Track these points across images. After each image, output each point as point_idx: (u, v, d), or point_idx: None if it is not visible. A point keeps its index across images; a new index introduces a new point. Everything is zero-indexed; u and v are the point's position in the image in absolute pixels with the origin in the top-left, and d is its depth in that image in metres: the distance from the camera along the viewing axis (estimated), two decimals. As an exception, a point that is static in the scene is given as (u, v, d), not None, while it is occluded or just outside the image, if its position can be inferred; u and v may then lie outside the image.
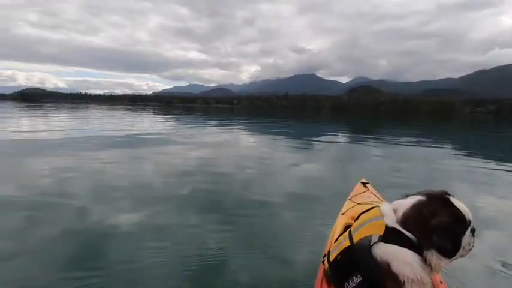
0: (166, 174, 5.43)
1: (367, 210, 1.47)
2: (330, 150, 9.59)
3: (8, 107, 44.57)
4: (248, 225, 3.26)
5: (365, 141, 12.26)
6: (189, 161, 6.75)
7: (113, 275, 2.26)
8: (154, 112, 39.85)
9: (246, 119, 27.71)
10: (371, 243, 1.25)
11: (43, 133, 11.62)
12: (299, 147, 9.82)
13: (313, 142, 11.46)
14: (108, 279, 2.20)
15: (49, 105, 61.97)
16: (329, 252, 1.51)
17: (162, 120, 23.76)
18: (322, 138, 12.93)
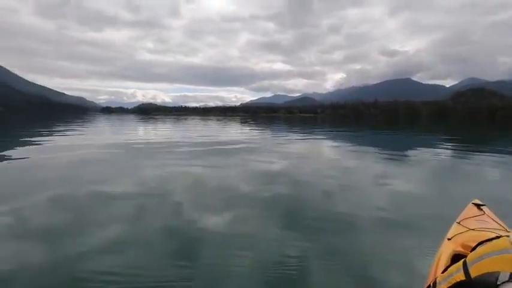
0: (251, 181, 5.72)
1: (489, 240, 1.24)
2: (430, 164, 8.35)
3: (130, 118, 58.67)
4: (331, 239, 3.14)
5: (477, 154, 10.18)
6: (273, 169, 6.94)
7: (197, 271, 2.50)
8: (241, 122, 42.75)
9: (329, 129, 26.85)
10: (498, 282, 1.04)
11: (154, 139, 13.90)
12: (389, 160, 8.92)
13: (407, 155, 10.23)
14: (193, 273, 2.45)
15: (158, 117, 74.09)
16: (435, 283, 1.32)
17: (248, 129, 25.21)
18: (419, 150, 11.40)
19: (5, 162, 7.79)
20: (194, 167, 7.01)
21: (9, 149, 10.17)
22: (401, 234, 3.28)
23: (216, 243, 3.01)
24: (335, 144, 13.64)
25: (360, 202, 4.47)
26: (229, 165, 7.56)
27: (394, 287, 2.23)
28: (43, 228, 3.33)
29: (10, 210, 3.87)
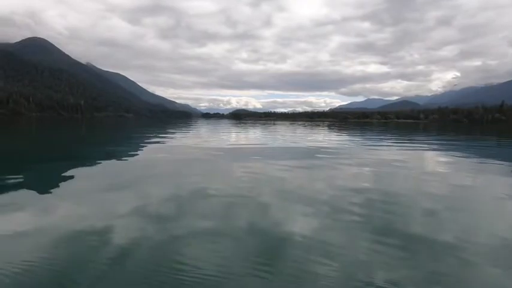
0: (337, 190, 5.45)
1: None
2: None
3: (225, 122, 65.87)
4: (435, 264, 2.68)
5: None
6: (362, 178, 6.44)
7: (278, 272, 2.51)
8: (328, 127, 41.35)
9: (439, 137, 23.16)
10: None
11: (245, 142, 14.90)
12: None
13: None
14: (274, 273, 2.47)
15: (249, 122, 79.05)
16: None
17: (335, 136, 24.17)
18: None
19: (130, 158, 9.65)
20: (282, 171, 7.14)
21: (136, 150, 12.58)
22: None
23: (300, 247, 2.98)
24: (443, 155, 11.65)
25: (475, 227, 3.68)
26: (316, 172, 7.39)
27: None
28: (151, 213, 3.96)
29: (128, 197, 4.77)
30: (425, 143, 17.10)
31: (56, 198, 4.75)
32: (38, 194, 4.97)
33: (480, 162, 9.42)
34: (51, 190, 5.14)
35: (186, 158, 9.61)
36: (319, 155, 10.53)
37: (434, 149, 13.80)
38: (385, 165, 8.52)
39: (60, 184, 5.57)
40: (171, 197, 4.82)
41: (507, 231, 3.52)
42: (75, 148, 13.14)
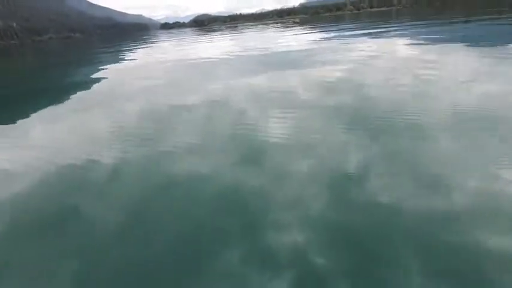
0: (312, 88, 5.66)
1: None
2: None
3: (188, 32, 60.32)
4: (394, 142, 3.13)
5: None
6: (335, 75, 6.62)
7: (262, 171, 2.87)
8: (300, 25, 38.89)
9: (407, 24, 22.71)
10: None
11: (213, 53, 14.09)
12: (481, 55, 7.49)
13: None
14: (259, 172, 2.84)
15: (214, 27, 72.20)
16: None
17: (305, 33, 23.06)
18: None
19: (101, 79, 9.07)
20: (254, 78, 7.13)
21: (96, 71, 11.64)
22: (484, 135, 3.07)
23: (280, 147, 3.26)
24: (410, 42, 11.76)
25: (435, 106, 4.14)
26: (289, 73, 7.43)
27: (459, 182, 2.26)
28: (133, 131, 4.10)
29: (107, 115, 4.78)
30: (401, 31, 16.87)
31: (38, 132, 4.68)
32: (13, 130, 4.84)
33: (436, 47, 9.70)
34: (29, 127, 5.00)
35: (152, 75, 9.16)
36: (290, 57, 10.33)
37: (406, 37, 13.77)
38: (355, 59, 8.62)
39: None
40: (147, 116, 4.90)
41: (461, 101, 4.01)
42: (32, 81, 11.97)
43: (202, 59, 12.47)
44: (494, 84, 4.82)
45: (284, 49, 12.93)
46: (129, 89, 7.38)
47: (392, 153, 2.86)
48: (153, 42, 31.67)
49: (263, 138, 3.54)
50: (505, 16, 19.08)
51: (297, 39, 18.59)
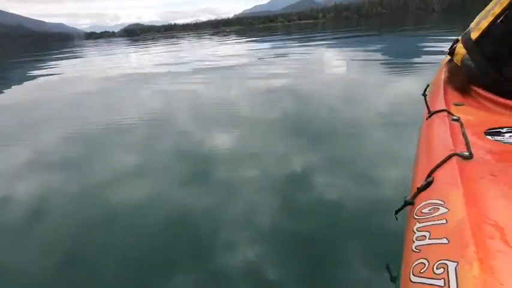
0: (251, 99, 5.72)
1: None
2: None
3: (119, 42, 56.73)
4: (335, 146, 3.20)
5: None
6: (272, 84, 6.81)
7: (211, 187, 2.76)
8: (236, 35, 39.69)
9: (330, 34, 25.00)
10: None
11: (149, 64, 13.35)
12: (388, 65, 8.57)
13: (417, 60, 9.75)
14: (207, 190, 2.72)
15: (147, 37, 68.95)
16: (468, 38, 1.27)
17: (241, 44, 23.65)
18: (426, 51, 10.78)
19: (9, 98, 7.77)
20: (195, 87, 6.95)
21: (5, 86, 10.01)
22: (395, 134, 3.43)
23: (226, 161, 3.07)
24: (331, 50, 12.93)
25: (360, 110, 4.53)
26: (228, 83, 7.39)
27: (397, 180, 2.32)
28: (59, 161, 3.47)
29: (24, 146, 4.04)
30: (324, 41, 18.41)
31: None
32: None
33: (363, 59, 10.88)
34: None
35: (81, 92, 8.25)
36: (227, 67, 10.41)
37: (328, 46, 15.08)
38: (288, 68, 9.08)
39: None
40: (75, 139, 4.28)
41: (383, 109, 4.45)
42: None
43: (133, 69, 11.69)
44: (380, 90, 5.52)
45: (222, 58, 12.95)
46: (45, 110, 6.39)
47: (329, 157, 2.95)
48: (73, 53, 28.72)
49: (204, 153, 3.30)
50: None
51: (235, 48, 18.87)
